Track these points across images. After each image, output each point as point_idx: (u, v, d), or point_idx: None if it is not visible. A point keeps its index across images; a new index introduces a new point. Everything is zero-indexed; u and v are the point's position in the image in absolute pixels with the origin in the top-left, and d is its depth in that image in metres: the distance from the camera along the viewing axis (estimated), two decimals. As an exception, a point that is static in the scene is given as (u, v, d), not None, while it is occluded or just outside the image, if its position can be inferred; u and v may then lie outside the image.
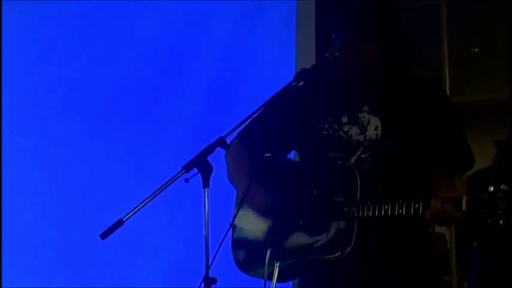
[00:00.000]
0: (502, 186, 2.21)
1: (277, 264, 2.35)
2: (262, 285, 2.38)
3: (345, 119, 2.58)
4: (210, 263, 2.20)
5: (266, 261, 2.37)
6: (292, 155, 2.90)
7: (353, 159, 2.53)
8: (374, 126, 2.53)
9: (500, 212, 2.19)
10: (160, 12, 4.32)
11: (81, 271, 4.08)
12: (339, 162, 2.54)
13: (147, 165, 4.08)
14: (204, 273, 2.20)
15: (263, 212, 2.62)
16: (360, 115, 2.56)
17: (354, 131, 2.56)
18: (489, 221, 2.20)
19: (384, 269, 2.48)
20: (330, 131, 2.59)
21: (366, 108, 2.56)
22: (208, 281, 2.21)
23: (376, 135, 2.52)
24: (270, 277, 2.36)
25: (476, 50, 6.27)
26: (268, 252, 2.38)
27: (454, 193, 2.32)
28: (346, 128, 2.57)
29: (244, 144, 2.69)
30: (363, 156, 2.52)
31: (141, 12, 4.33)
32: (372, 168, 2.49)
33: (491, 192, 2.21)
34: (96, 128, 4.26)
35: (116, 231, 2.23)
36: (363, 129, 2.54)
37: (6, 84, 4.33)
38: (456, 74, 5.09)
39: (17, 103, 4.35)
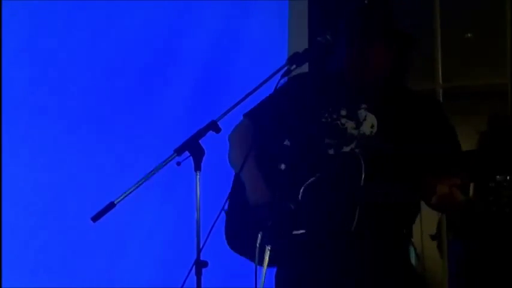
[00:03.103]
0: (508, 177, 2.34)
1: (268, 248, 2.34)
2: (253, 270, 2.38)
3: (343, 112, 2.61)
4: (201, 247, 2.21)
5: (257, 245, 2.37)
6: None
7: (346, 149, 2.55)
8: (370, 124, 2.57)
9: (505, 200, 2.32)
10: (155, 10, 4.32)
11: (80, 270, 4.06)
12: (332, 149, 2.56)
13: (146, 163, 4.04)
14: (195, 256, 2.21)
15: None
16: (358, 112, 2.59)
17: (349, 125, 2.59)
18: (494, 209, 2.33)
19: (356, 261, 2.49)
20: (329, 119, 2.60)
21: (364, 106, 2.60)
22: (200, 264, 2.22)
23: (371, 132, 2.56)
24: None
25: (469, 35, 6.26)
26: (259, 235, 2.38)
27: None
28: (343, 121, 2.60)
29: (254, 123, 2.68)
30: (356, 150, 2.54)
31: (136, 7, 4.32)
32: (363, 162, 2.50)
33: (498, 181, 2.33)
34: (89, 123, 4.23)
35: (108, 214, 2.25)
36: (358, 125, 2.58)
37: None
38: (449, 59, 5.09)
39: (7, 98, 4.31)
